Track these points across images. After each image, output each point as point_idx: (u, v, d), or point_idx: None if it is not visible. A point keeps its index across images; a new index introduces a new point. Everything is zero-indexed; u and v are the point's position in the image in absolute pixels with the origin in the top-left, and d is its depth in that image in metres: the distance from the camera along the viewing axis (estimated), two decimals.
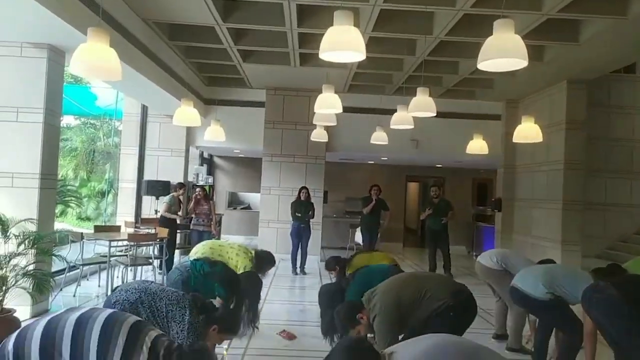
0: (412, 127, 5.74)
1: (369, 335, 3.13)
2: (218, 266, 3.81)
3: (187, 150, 9.42)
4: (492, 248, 7.87)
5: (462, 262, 9.61)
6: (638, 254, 5.65)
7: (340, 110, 4.83)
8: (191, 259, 4.21)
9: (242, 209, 12.80)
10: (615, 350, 3.02)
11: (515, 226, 8.89)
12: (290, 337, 4.53)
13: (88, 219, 13.68)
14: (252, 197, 12.45)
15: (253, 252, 4.76)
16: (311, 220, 8.22)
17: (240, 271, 4.23)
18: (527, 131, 5.90)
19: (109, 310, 2.05)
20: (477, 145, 7.46)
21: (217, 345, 3.30)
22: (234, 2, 5.62)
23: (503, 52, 2.66)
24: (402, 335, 2.99)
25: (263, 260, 4.72)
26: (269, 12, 5.63)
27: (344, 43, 2.67)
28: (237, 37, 6.55)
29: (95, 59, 3.12)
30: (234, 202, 13.01)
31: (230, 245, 4.71)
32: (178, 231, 8.04)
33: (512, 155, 9.01)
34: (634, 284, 3.04)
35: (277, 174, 9.36)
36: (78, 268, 6.13)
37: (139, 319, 2.18)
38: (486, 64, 2.77)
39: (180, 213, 7.74)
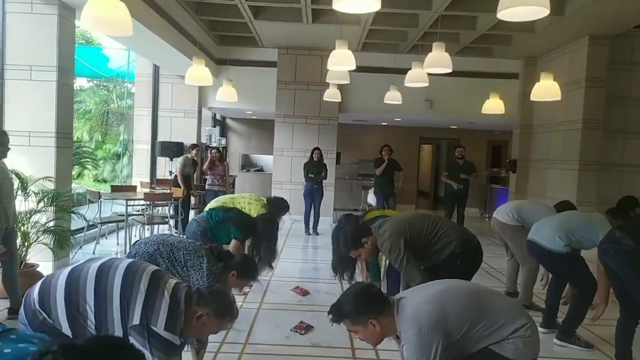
0: (427, 85, 5.61)
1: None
2: (233, 212, 3.91)
3: (200, 112, 9.40)
4: None
5: (475, 224, 9.63)
6: None
7: (354, 67, 4.72)
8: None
9: (255, 171, 12.86)
10: (624, 303, 3.04)
11: (529, 188, 8.81)
12: (304, 293, 4.64)
13: (104, 180, 13.87)
14: (265, 159, 12.48)
15: (265, 199, 4.84)
16: (324, 181, 8.25)
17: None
18: (546, 89, 5.74)
19: (129, 260, 2.10)
20: (494, 105, 7.31)
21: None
22: None
23: None
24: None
25: (276, 207, 4.79)
26: None
27: None
28: None
29: (105, 13, 3.07)
30: (247, 164, 13.06)
31: (242, 196, 4.83)
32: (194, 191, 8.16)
33: (528, 115, 8.82)
34: None
35: (290, 136, 9.33)
36: (96, 227, 6.29)
37: (159, 268, 2.25)
38: (506, 12, 2.66)
39: (195, 174, 7.88)
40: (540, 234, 3.60)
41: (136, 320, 1.84)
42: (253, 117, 12.24)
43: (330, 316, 2.03)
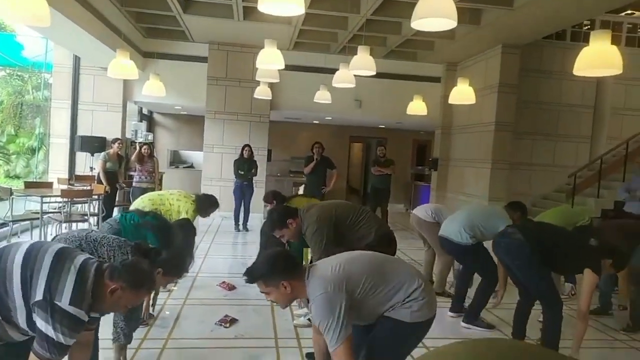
0: (354, 85, 5.83)
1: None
2: (149, 215, 3.78)
3: (125, 106, 9.04)
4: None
5: (400, 219, 10.08)
6: None
7: (283, 66, 4.82)
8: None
9: (184, 167, 12.56)
10: (520, 289, 3.43)
11: (448, 184, 9.39)
12: (230, 287, 4.66)
13: (17, 177, 12.91)
14: (195, 156, 12.23)
15: (194, 196, 4.78)
16: (254, 178, 8.26)
17: (183, 215, 4.24)
18: (462, 93, 6.18)
19: (29, 242, 2.01)
20: (417, 107, 7.70)
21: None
22: None
23: (433, 11, 2.77)
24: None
25: (205, 203, 4.74)
26: None
27: None
28: None
29: (21, 1, 2.93)
30: (176, 160, 12.73)
31: (170, 192, 4.68)
32: (119, 188, 7.86)
33: (449, 117, 9.38)
34: (538, 229, 3.41)
35: (221, 132, 9.24)
36: (7, 225, 5.89)
37: (68, 246, 2.17)
38: (419, 22, 2.89)
39: (121, 170, 7.59)
40: (449, 230, 3.97)
41: (39, 295, 1.77)
42: (182, 113, 11.95)
43: (245, 277, 2.16)
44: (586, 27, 8.71)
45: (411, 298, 2.09)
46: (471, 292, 4.15)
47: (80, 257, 1.96)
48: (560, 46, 8.56)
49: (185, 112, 11.81)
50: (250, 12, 7.18)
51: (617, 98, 8.81)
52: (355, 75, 5.50)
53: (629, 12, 10.07)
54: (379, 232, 3.29)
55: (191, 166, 12.58)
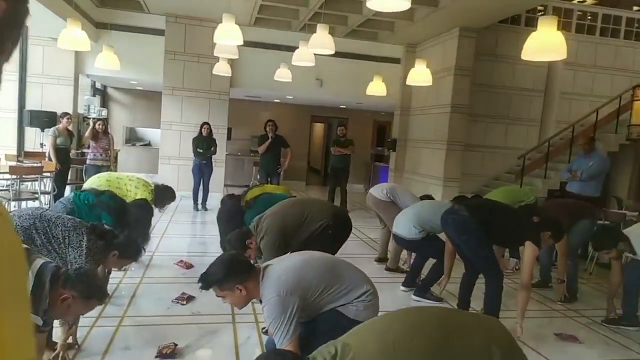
0: (313, 64, 5.82)
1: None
2: (104, 195, 3.71)
3: (77, 79, 8.65)
4: None
5: (359, 198, 10.24)
6: None
7: (241, 42, 4.74)
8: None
9: (141, 145, 12.22)
10: (465, 263, 3.64)
11: (406, 165, 9.61)
12: (188, 266, 4.66)
13: None
14: (152, 133, 11.92)
15: (153, 185, 4.69)
16: (214, 157, 8.17)
17: None
18: (419, 75, 6.30)
19: None
20: (377, 88, 7.78)
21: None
22: None
23: None
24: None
25: (163, 194, 4.67)
26: None
27: None
28: None
29: None
30: (132, 138, 12.36)
31: (129, 177, 4.58)
32: (72, 165, 7.60)
33: (407, 98, 9.54)
34: (483, 206, 3.60)
35: (179, 109, 9.02)
36: None
37: (26, 247, 2.16)
38: (373, 3, 2.93)
39: (72, 147, 7.31)
40: (400, 227, 4.17)
41: None
42: (138, 88, 11.57)
43: (200, 284, 2.17)
44: (540, 13, 8.99)
45: (360, 299, 2.18)
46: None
47: (39, 262, 1.97)
48: (515, 31, 8.81)
49: (141, 88, 11.44)
50: None
51: (566, 83, 9.21)
52: (315, 54, 5.50)
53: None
54: (332, 216, 3.39)
55: (148, 144, 12.26)
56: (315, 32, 4.83)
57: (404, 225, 4.11)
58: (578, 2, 10.50)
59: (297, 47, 5.84)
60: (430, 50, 8.81)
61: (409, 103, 9.56)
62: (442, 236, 3.89)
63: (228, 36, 4.56)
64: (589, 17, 9.66)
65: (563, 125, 8.68)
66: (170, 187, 4.83)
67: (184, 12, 8.57)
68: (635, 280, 3.71)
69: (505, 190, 5.05)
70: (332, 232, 3.30)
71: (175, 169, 8.99)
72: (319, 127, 15.83)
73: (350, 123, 12.58)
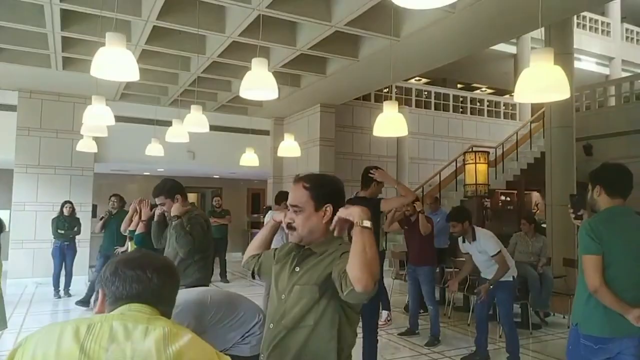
0: (188, 141, 5.99)
1: None
2: None
3: None
4: None
5: (238, 267, 10.21)
6: None
7: (113, 122, 4.74)
8: None
9: None
10: None
11: None
12: None
13: None
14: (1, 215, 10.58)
15: None
16: (77, 237, 7.59)
17: None
18: (288, 147, 6.83)
19: None
20: (250, 158, 8.12)
21: None
22: None
23: (258, 85, 3.22)
24: None
25: None
26: (27, 11, 5.13)
27: (116, 63, 2.80)
28: None
29: None
30: None
31: None
32: None
33: (279, 167, 10.09)
34: None
35: (34, 188, 8.29)
36: None
37: None
38: (247, 93, 3.30)
39: None
40: None
41: None
42: None
43: None
44: (385, 90, 10.43)
45: (250, 333, 2.35)
46: None
47: None
48: (367, 106, 10.08)
49: None
50: (71, 62, 6.86)
51: (413, 150, 10.66)
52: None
53: (417, 78, 12.42)
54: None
55: None
56: (184, 106, 5.05)
57: None
58: (415, 81, 12.40)
59: (167, 120, 5.95)
60: (296, 123, 9.57)
61: (281, 172, 10.09)
62: None
63: (99, 118, 4.54)
64: (425, 94, 11.47)
65: (415, 186, 9.94)
66: None
67: (39, 88, 8.14)
68: (480, 313, 4.36)
69: None
70: None
71: (30, 253, 8.11)
72: (191, 198, 15.60)
73: (224, 192, 12.69)
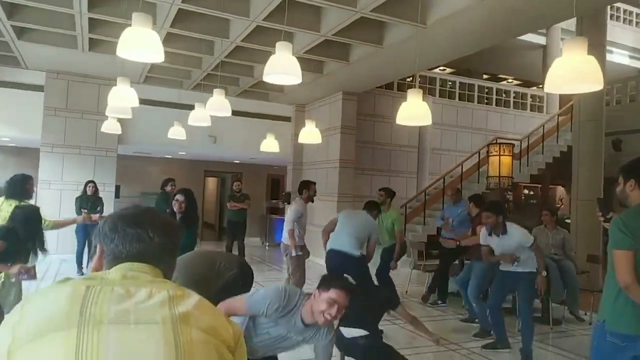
0: (210, 124, 6.01)
1: None
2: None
3: None
4: None
5: (256, 252, 10.33)
6: None
7: (137, 104, 4.79)
8: None
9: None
10: None
11: None
12: None
13: None
14: None
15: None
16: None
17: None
18: (310, 134, 6.80)
19: None
20: (270, 144, 8.14)
21: None
22: None
23: (282, 69, 3.19)
24: None
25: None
26: None
27: (142, 44, 2.80)
28: (12, 11, 5.79)
29: None
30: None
31: None
32: None
33: (299, 153, 10.08)
34: None
35: (60, 167, 8.48)
36: None
37: None
38: (270, 77, 3.27)
39: None
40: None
41: None
42: (11, 144, 10.62)
43: None
44: (409, 79, 10.28)
45: None
46: None
47: None
48: (390, 95, 9.95)
49: (14, 144, 10.53)
50: (96, 44, 6.93)
51: (435, 140, 10.51)
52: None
53: (441, 68, 12.20)
54: (240, 262, 3.54)
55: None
56: (207, 90, 5.06)
57: None
58: (440, 71, 12.18)
59: (189, 104, 5.97)
60: (318, 110, 9.52)
61: (301, 158, 10.08)
62: None
63: (123, 99, 4.59)
64: (449, 84, 11.27)
65: (436, 177, 9.82)
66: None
67: (66, 69, 8.27)
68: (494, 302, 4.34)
69: None
70: (241, 283, 3.39)
71: (54, 231, 8.29)
72: (212, 182, 15.73)
73: (244, 177, 12.76)
